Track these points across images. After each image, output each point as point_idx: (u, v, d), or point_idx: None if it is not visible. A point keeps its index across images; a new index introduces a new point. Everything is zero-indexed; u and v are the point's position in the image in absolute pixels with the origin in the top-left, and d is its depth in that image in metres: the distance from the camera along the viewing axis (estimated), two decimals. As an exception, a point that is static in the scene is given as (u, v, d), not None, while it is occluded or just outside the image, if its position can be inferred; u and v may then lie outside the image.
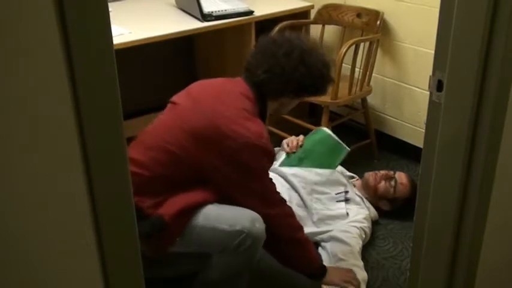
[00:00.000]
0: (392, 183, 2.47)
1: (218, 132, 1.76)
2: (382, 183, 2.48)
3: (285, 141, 2.53)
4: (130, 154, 1.78)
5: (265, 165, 1.92)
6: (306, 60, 1.88)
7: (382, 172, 2.53)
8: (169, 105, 1.96)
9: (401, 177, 2.51)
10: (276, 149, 2.61)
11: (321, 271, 2.02)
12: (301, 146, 2.47)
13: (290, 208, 1.98)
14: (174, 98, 1.96)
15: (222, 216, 1.81)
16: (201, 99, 1.88)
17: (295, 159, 2.45)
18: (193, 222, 1.80)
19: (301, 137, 2.52)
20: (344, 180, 2.47)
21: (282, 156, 2.49)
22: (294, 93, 1.95)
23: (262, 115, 1.94)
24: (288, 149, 2.48)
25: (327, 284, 2.00)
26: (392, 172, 2.54)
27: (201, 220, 1.80)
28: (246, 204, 1.85)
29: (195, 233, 1.80)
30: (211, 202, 1.84)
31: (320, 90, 1.99)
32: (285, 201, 1.98)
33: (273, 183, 1.95)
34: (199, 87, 1.97)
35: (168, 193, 1.81)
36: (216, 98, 1.86)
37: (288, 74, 1.87)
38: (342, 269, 2.08)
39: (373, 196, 2.49)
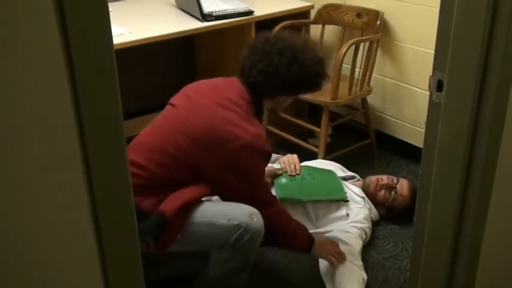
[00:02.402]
0: (393, 193, 2.46)
1: (218, 136, 1.78)
2: (382, 192, 2.46)
3: (281, 160, 2.48)
4: (129, 156, 1.80)
5: (262, 167, 1.95)
6: (299, 57, 1.89)
7: (385, 181, 2.48)
8: (167, 106, 1.97)
9: (402, 188, 2.47)
10: (272, 156, 2.60)
11: (310, 246, 2.08)
12: (298, 174, 2.44)
13: (281, 205, 2.02)
14: (172, 100, 1.97)
15: (220, 212, 1.83)
16: (200, 101, 1.89)
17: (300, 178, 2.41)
18: (191, 219, 1.81)
19: (296, 159, 2.47)
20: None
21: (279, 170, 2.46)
22: (290, 91, 1.97)
23: (258, 114, 1.95)
24: (288, 172, 2.42)
25: (313, 256, 2.11)
26: (395, 180, 2.49)
27: (199, 217, 1.82)
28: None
29: (194, 230, 1.82)
30: (209, 195, 1.89)
31: (315, 87, 2.00)
32: (275, 198, 2.01)
33: (267, 182, 1.97)
34: (196, 88, 1.98)
35: (167, 192, 1.83)
36: (214, 100, 1.87)
37: (282, 73, 1.88)
38: (328, 241, 2.14)
39: (371, 201, 2.49)
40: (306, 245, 2.07)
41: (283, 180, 2.35)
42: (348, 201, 2.37)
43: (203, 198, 1.93)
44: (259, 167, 1.92)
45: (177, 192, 1.82)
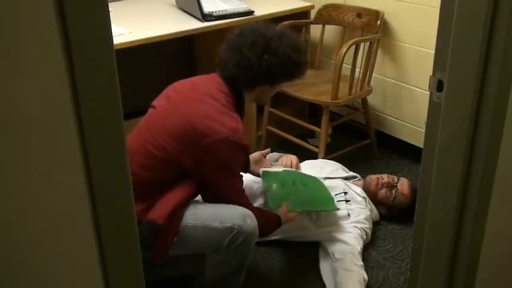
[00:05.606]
0: (393, 192, 2.46)
1: (194, 132, 1.78)
2: (383, 190, 2.46)
3: (281, 161, 2.51)
4: None
5: (239, 160, 1.92)
6: (272, 47, 1.87)
7: (385, 179, 2.49)
8: (149, 109, 1.97)
9: (403, 186, 2.47)
10: (274, 154, 2.61)
11: (279, 224, 2.07)
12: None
13: (251, 206, 1.97)
14: (154, 102, 1.98)
15: (212, 215, 1.83)
16: (178, 99, 1.90)
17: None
18: (184, 223, 1.81)
19: (295, 161, 2.49)
20: (340, 182, 2.47)
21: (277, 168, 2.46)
22: (266, 82, 1.94)
23: (240, 107, 1.94)
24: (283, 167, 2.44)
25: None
26: (396, 179, 2.50)
27: (192, 220, 1.82)
28: (211, 198, 1.90)
29: (188, 234, 1.81)
30: (197, 193, 1.89)
31: (293, 76, 1.96)
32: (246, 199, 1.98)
33: (242, 180, 1.95)
34: (176, 87, 1.98)
35: (156, 195, 1.82)
36: (192, 96, 1.88)
37: (254, 65, 1.86)
38: (283, 211, 2.11)
39: (372, 200, 2.49)
40: (276, 227, 2.07)
41: (274, 186, 2.29)
42: (339, 209, 2.32)
43: (197, 198, 1.93)
44: (236, 159, 1.89)
45: (164, 196, 1.81)
